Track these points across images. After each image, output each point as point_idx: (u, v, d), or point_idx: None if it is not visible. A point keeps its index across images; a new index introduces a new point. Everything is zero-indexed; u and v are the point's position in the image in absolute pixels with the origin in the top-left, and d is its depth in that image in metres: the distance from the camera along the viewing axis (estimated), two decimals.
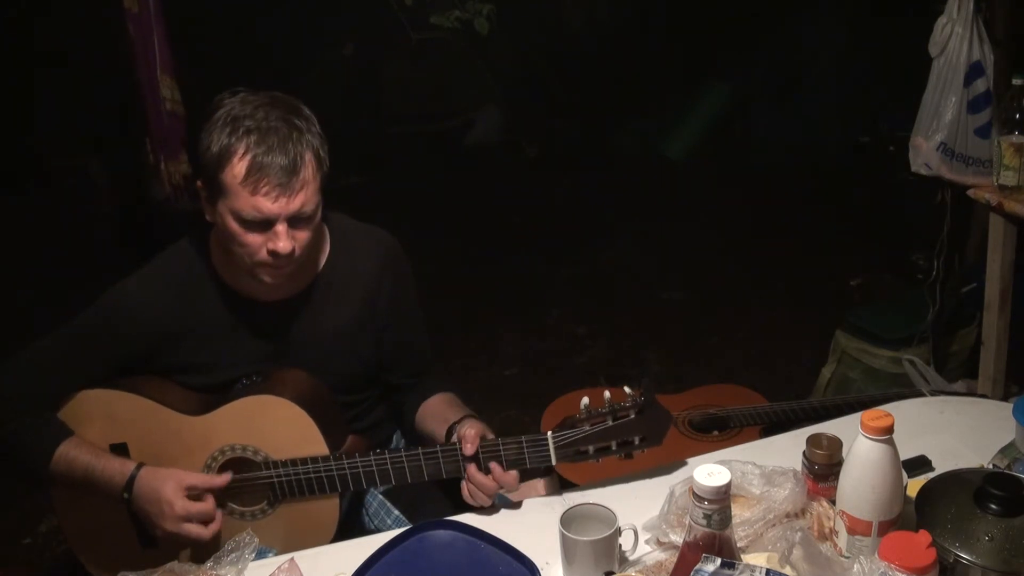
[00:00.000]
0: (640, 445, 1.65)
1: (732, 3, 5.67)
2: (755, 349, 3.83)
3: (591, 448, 1.64)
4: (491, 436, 1.67)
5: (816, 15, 5.58)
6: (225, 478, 1.70)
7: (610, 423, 1.63)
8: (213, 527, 1.69)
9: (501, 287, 4.57)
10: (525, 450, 1.65)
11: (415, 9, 3.97)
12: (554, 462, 1.65)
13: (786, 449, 1.66)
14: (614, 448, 1.65)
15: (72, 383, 1.73)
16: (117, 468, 1.70)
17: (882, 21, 4.93)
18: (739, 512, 1.42)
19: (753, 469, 1.52)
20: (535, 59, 6.12)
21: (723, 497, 1.19)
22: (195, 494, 1.68)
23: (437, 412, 1.84)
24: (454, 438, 1.70)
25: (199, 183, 1.66)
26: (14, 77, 4.96)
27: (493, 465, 1.64)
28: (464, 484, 1.66)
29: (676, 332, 4.02)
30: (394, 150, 5.90)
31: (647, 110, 6.20)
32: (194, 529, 1.67)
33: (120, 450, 1.75)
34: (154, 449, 1.73)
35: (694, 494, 1.20)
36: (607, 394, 1.64)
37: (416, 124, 6.10)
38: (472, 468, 1.64)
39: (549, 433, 1.65)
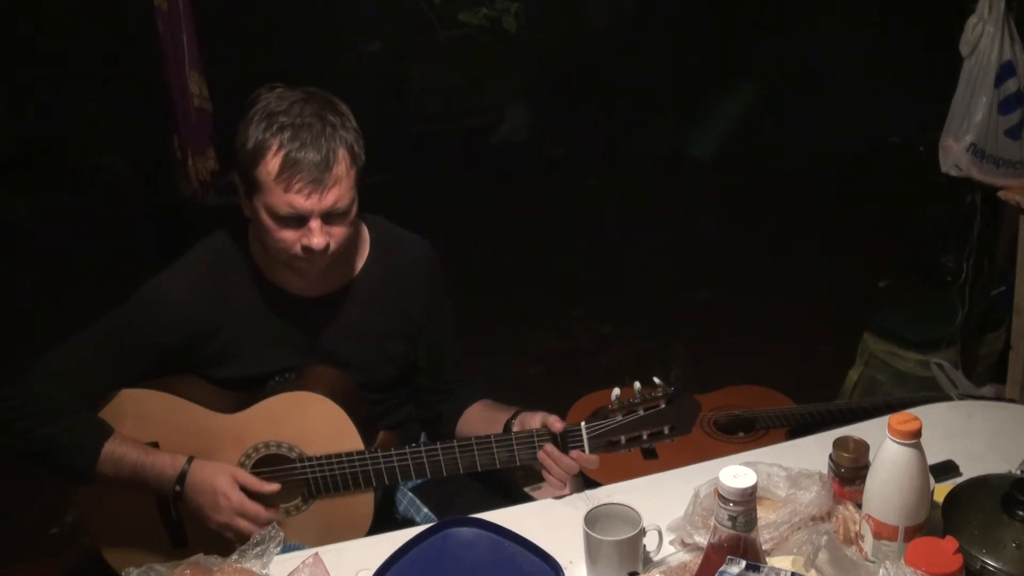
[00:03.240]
0: (670, 434, 1.67)
1: (759, 1, 5.63)
2: (781, 350, 3.80)
3: (623, 438, 1.66)
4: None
5: (844, 12, 5.53)
6: (274, 487, 1.71)
7: (641, 413, 1.65)
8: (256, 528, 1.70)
9: (525, 285, 4.57)
10: (559, 440, 1.66)
11: (443, 6, 3.97)
12: (587, 452, 1.67)
13: (812, 452, 1.66)
14: (645, 438, 1.67)
15: (111, 379, 1.74)
16: (168, 462, 1.71)
17: (912, 19, 4.89)
18: (764, 514, 1.42)
19: (779, 471, 1.52)
20: (562, 57, 6.11)
21: (749, 499, 1.19)
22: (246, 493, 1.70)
23: (484, 416, 1.86)
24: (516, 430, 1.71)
25: (236, 178, 1.68)
26: (41, 74, 5.01)
27: (575, 452, 1.66)
28: (546, 471, 1.68)
29: (701, 332, 4.01)
30: (419, 148, 5.90)
31: (673, 109, 6.18)
32: (245, 525, 1.69)
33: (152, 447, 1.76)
34: (187, 448, 1.74)
35: (719, 495, 1.20)
36: (637, 385, 1.65)
37: (442, 122, 6.10)
38: (551, 447, 1.66)
39: (583, 424, 1.66)
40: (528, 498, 1.77)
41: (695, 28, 5.87)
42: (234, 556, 1.51)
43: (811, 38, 5.65)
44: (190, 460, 1.71)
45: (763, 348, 3.85)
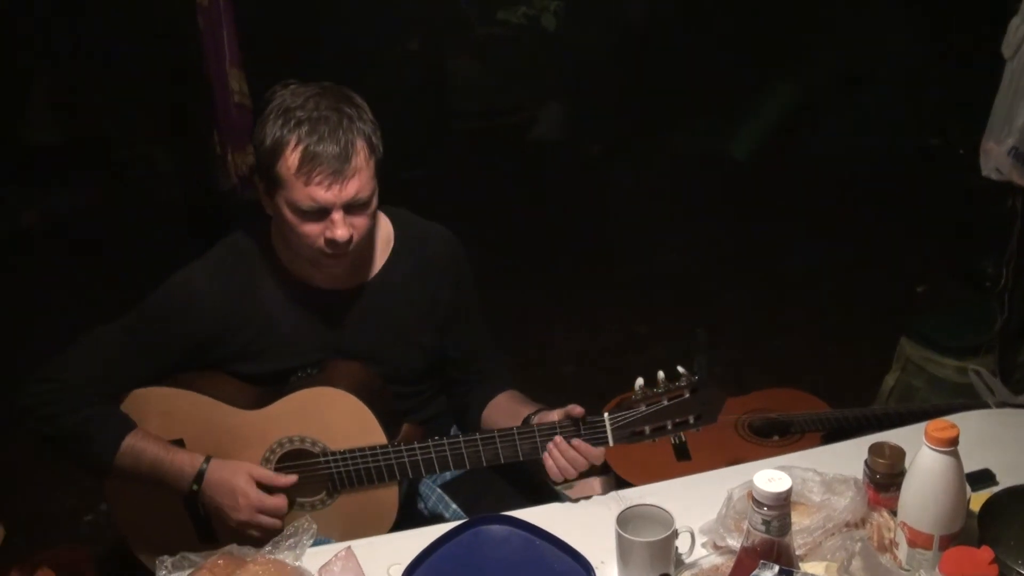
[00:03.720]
0: (695, 424, 1.65)
1: (800, 1, 5.58)
2: (817, 353, 3.77)
3: (647, 428, 1.65)
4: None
5: (886, 13, 5.47)
6: (292, 478, 1.73)
7: (665, 403, 1.63)
8: (279, 522, 1.72)
9: (560, 283, 4.56)
10: (582, 432, 1.66)
11: (482, 4, 3.97)
12: (611, 443, 1.66)
13: (847, 457, 1.64)
14: (670, 428, 1.65)
15: (136, 372, 1.76)
16: (186, 461, 1.73)
17: (955, 20, 4.82)
18: (798, 519, 1.41)
19: (814, 476, 1.51)
20: (600, 56, 6.09)
21: (783, 503, 1.18)
22: (264, 488, 1.72)
23: (508, 408, 1.85)
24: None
25: (256, 177, 1.69)
26: (83, 68, 5.08)
27: (576, 441, 1.66)
28: (551, 461, 1.67)
29: (737, 333, 3.98)
30: (456, 145, 5.91)
31: (712, 108, 6.14)
32: (266, 520, 1.70)
33: (177, 446, 1.78)
34: (211, 444, 1.76)
35: (754, 499, 1.19)
36: (661, 374, 1.64)
37: (479, 119, 6.11)
38: (560, 439, 1.66)
39: (606, 414, 1.65)
40: (560, 497, 1.76)
41: (736, 27, 5.83)
42: (267, 547, 1.53)
43: (852, 39, 5.59)
44: (208, 459, 1.73)
45: (799, 351, 3.82)
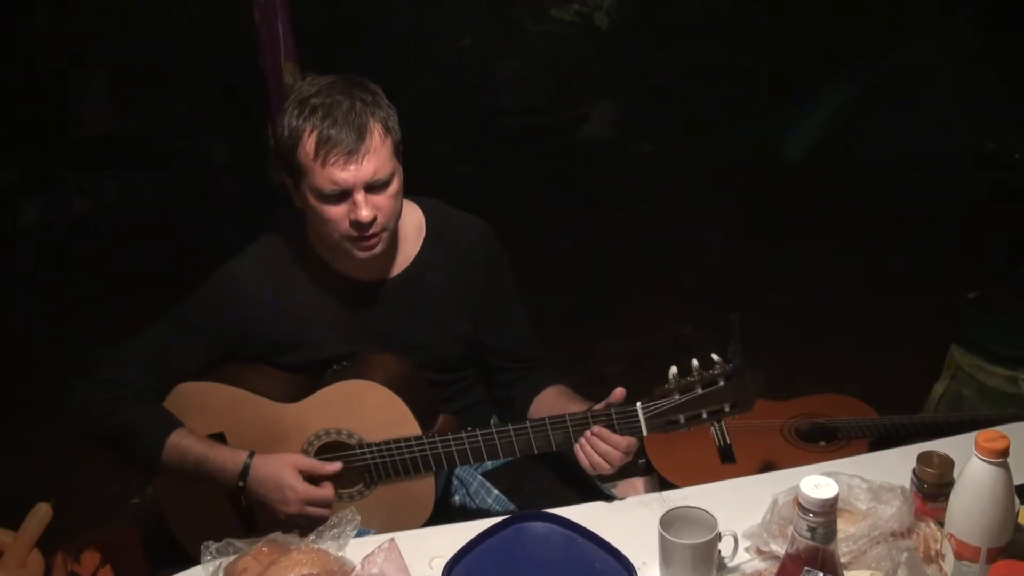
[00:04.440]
0: (731, 412, 1.64)
1: (856, 0, 5.50)
2: (865, 359, 3.71)
3: (682, 417, 1.64)
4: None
5: (943, 15, 5.37)
6: (337, 466, 1.75)
7: (699, 391, 1.62)
8: (328, 511, 1.74)
9: (607, 282, 4.55)
10: (615, 420, 1.65)
11: (535, 1, 3.98)
12: (645, 433, 1.65)
13: (895, 465, 1.62)
14: (705, 416, 1.64)
15: (183, 366, 1.80)
16: (229, 457, 1.75)
17: (1014, 22, 4.73)
18: (844, 527, 1.39)
19: (860, 483, 1.49)
20: (652, 54, 6.06)
21: (829, 510, 1.17)
22: (309, 478, 1.74)
23: (555, 403, 1.85)
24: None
25: (283, 172, 1.72)
26: (139, 59, 5.17)
27: (598, 428, 1.65)
28: (582, 454, 1.67)
29: (784, 337, 3.93)
30: (506, 142, 5.92)
31: (765, 108, 6.08)
32: (315, 511, 1.73)
33: (217, 440, 1.81)
34: (250, 437, 1.79)
35: (799, 505, 1.18)
36: (695, 362, 1.63)
37: (529, 117, 6.10)
38: (589, 433, 1.65)
39: (639, 403, 1.64)
40: (603, 490, 1.76)
41: (791, 26, 5.77)
42: (311, 537, 1.55)
43: (910, 39, 5.50)
44: (251, 455, 1.75)
45: (847, 356, 3.77)
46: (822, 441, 2.44)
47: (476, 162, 5.56)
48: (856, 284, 4.36)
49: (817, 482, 1.18)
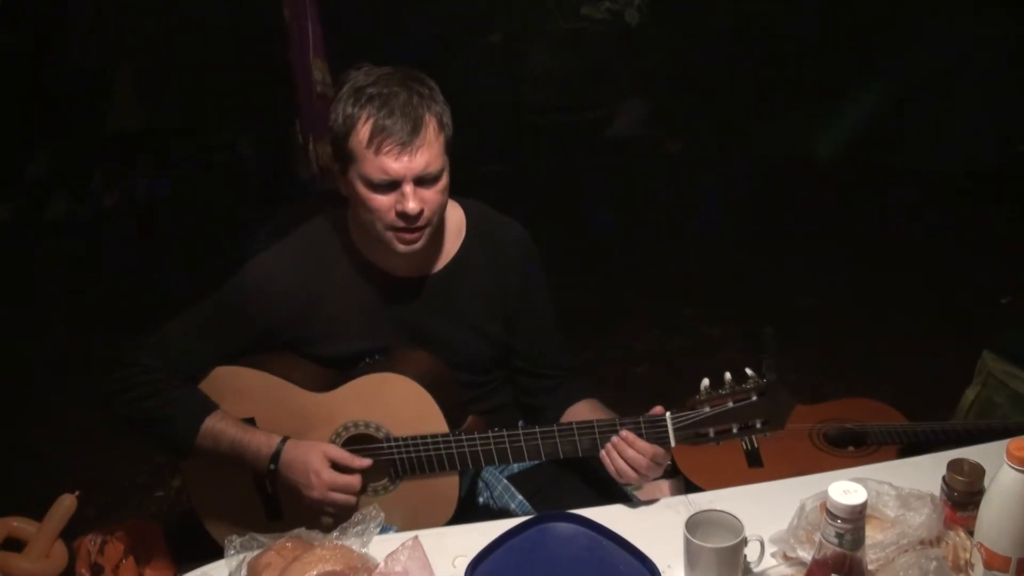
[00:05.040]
0: (762, 428, 1.63)
1: None
2: (894, 363, 3.68)
3: (711, 431, 1.63)
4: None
5: (979, 11, 5.30)
6: (367, 462, 1.76)
7: (731, 405, 1.61)
8: (353, 498, 1.75)
9: (634, 281, 4.54)
10: (643, 430, 1.65)
11: None
12: (673, 444, 1.65)
13: (924, 472, 1.61)
14: (735, 431, 1.63)
15: (215, 355, 1.82)
16: (263, 441, 1.77)
17: None
18: (872, 534, 1.38)
19: (889, 490, 1.48)
20: (683, 52, 6.04)
21: (858, 517, 1.16)
22: (335, 465, 1.75)
23: (587, 417, 1.84)
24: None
25: (332, 159, 1.73)
26: (167, 55, 5.21)
27: (625, 432, 1.64)
28: (608, 460, 1.66)
29: (812, 340, 3.91)
30: (534, 139, 5.92)
31: (797, 107, 6.04)
32: (340, 498, 1.74)
33: (248, 424, 1.83)
34: (280, 424, 1.81)
35: (827, 511, 1.18)
36: (727, 375, 1.62)
37: (558, 115, 6.10)
38: (617, 439, 1.65)
39: (668, 414, 1.64)
40: (629, 497, 1.75)
41: (825, 24, 5.72)
42: (335, 533, 1.55)
43: (946, 35, 5.43)
44: (284, 440, 1.77)
45: (877, 360, 3.73)
46: (851, 446, 2.42)
47: (504, 160, 5.56)
48: (887, 287, 4.31)
49: (845, 488, 1.18)
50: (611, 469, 1.68)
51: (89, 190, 5.49)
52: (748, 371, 1.62)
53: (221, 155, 5.73)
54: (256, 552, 1.52)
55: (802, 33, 5.75)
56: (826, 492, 1.18)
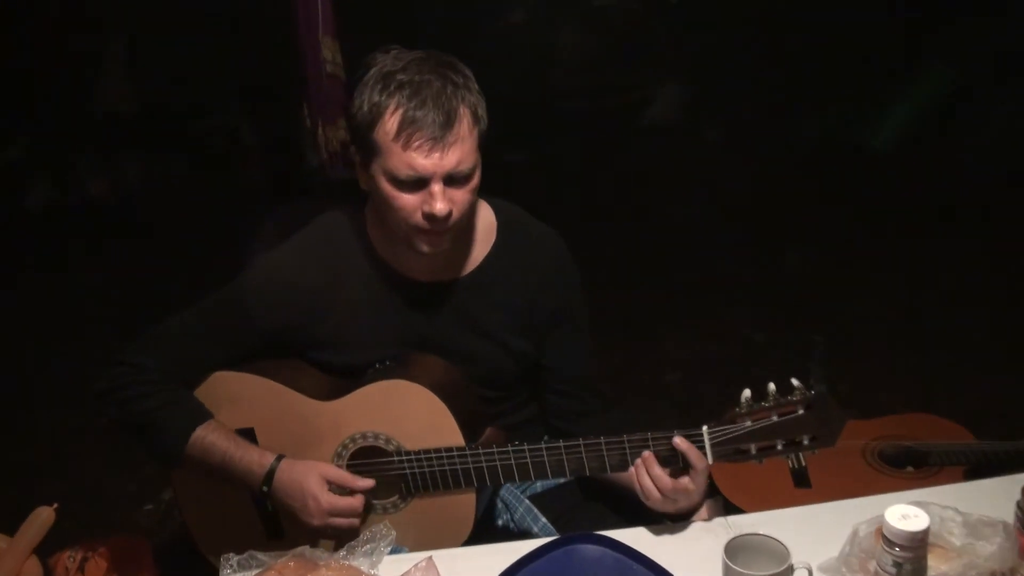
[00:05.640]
0: (810, 446, 1.60)
1: None
2: (961, 376, 3.65)
3: (753, 447, 1.61)
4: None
5: None
6: (368, 483, 1.75)
7: (775, 419, 1.59)
8: (357, 521, 1.75)
9: (670, 282, 4.53)
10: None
11: None
12: (710, 461, 1.63)
13: (995, 496, 1.59)
14: (780, 448, 1.61)
15: (216, 358, 1.82)
16: (256, 459, 1.77)
17: None
18: (935, 564, 1.37)
19: (954, 516, 1.46)
20: (726, 33, 6.02)
21: (918, 544, 1.15)
22: (336, 489, 1.75)
23: None
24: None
25: (353, 148, 1.72)
26: (165, 33, 5.23)
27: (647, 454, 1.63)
28: (637, 479, 1.66)
29: (868, 348, 3.89)
30: (562, 125, 5.92)
31: (850, 93, 6.00)
32: (341, 523, 1.74)
33: (247, 435, 1.83)
34: (282, 435, 1.81)
35: (884, 537, 1.17)
36: (772, 387, 1.60)
37: (589, 98, 6.10)
38: (649, 456, 1.64)
39: (705, 428, 1.62)
40: (662, 518, 1.75)
41: (883, 4, 5.69)
42: (342, 552, 1.55)
43: (1013, 18, 5.39)
44: (279, 459, 1.77)
45: (940, 372, 3.71)
46: (910, 466, 2.40)
47: (528, 148, 5.56)
48: (953, 293, 4.28)
49: (904, 512, 1.17)
50: (637, 488, 1.67)
51: (72, 177, 5.52)
52: (794, 382, 1.60)
53: (220, 140, 5.75)
54: (255, 572, 1.52)
55: (857, 10, 5.72)
56: (882, 516, 1.18)
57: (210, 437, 1.78)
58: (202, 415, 1.80)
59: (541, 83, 6.00)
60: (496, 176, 1.83)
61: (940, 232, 4.79)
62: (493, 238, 1.85)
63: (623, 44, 6.10)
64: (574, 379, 1.93)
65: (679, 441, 1.62)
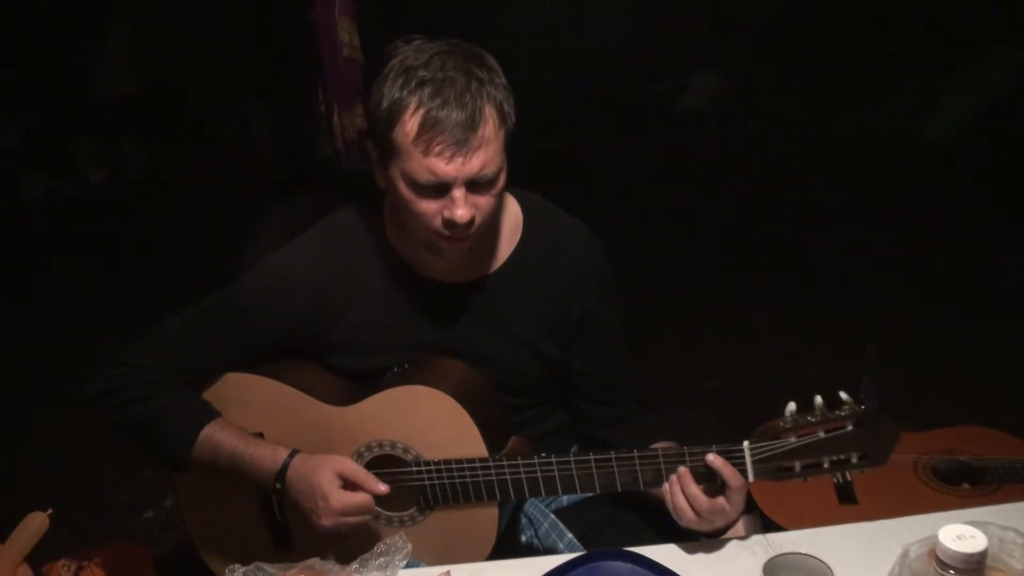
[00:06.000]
0: (859, 464, 1.59)
1: None
2: (1021, 386, 3.63)
3: (797, 464, 1.60)
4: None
5: None
6: (385, 487, 1.74)
7: (821, 435, 1.57)
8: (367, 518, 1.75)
9: (705, 283, 4.52)
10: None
11: None
12: (751, 478, 1.62)
13: None
14: (826, 466, 1.59)
15: (222, 359, 1.83)
16: (269, 455, 1.76)
17: None
18: None
19: (1016, 538, 1.44)
20: (768, 14, 6.00)
21: (975, 567, 1.14)
22: (349, 485, 1.74)
23: None
24: None
25: (370, 143, 1.71)
26: (170, 11, 5.24)
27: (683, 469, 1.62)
28: (670, 497, 1.65)
29: (922, 354, 3.86)
30: (592, 113, 5.91)
31: (903, 81, 5.96)
32: (353, 521, 1.73)
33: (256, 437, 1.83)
34: (293, 441, 1.80)
35: (937, 559, 1.16)
36: (819, 399, 1.58)
37: (620, 85, 6.09)
38: (685, 471, 1.63)
39: (746, 443, 1.61)
40: (696, 535, 1.74)
41: None
42: (354, 564, 1.55)
43: None
44: (292, 454, 1.76)
45: (999, 381, 3.68)
46: (965, 483, 2.38)
47: (556, 137, 5.56)
48: (1013, 296, 4.24)
49: (960, 532, 1.16)
50: (669, 505, 1.66)
51: (72, 164, 5.55)
52: (843, 394, 1.59)
53: (228, 127, 5.77)
54: None
55: None
56: (935, 537, 1.16)
57: (218, 435, 1.78)
58: (209, 413, 1.80)
59: (571, 69, 5.99)
60: (523, 167, 1.82)
61: (998, 231, 4.75)
62: (519, 234, 1.84)
63: (657, 26, 6.09)
64: (607, 381, 1.92)
65: (713, 459, 1.61)
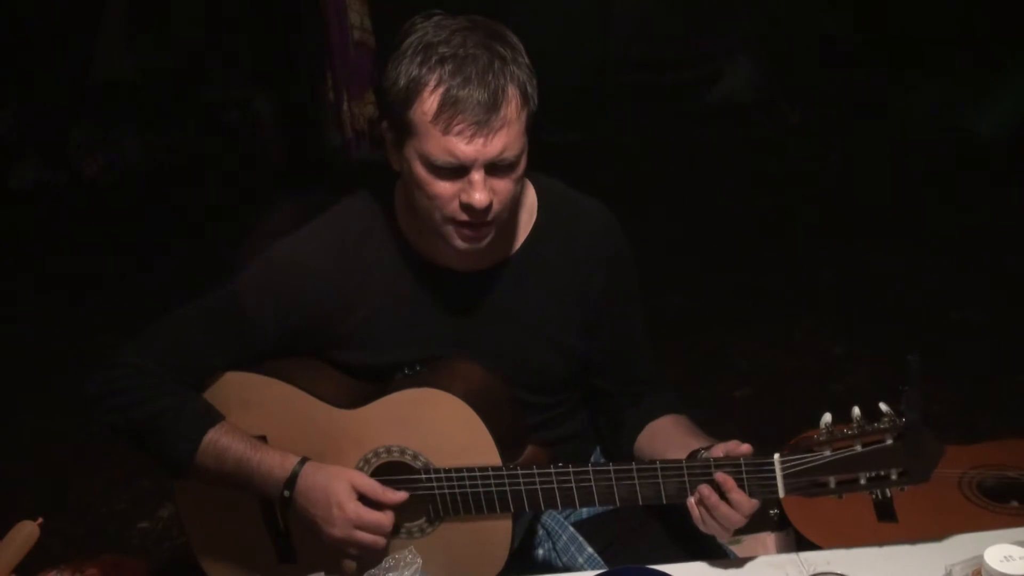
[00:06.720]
0: (898, 481, 1.58)
1: None
2: None
3: (832, 480, 1.59)
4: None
5: None
6: (402, 495, 1.76)
7: (859, 449, 1.57)
8: (383, 540, 1.75)
9: (739, 284, 4.52)
10: (744, 474, 1.61)
11: None
12: (782, 494, 1.61)
13: None
14: (863, 483, 1.59)
15: (226, 357, 1.83)
16: (277, 461, 1.77)
17: None
18: None
19: None
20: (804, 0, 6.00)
21: None
22: (365, 500, 1.75)
23: (671, 437, 1.83)
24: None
25: (385, 124, 1.72)
26: None
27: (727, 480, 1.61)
28: (695, 508, 1.65)
29: (969, 364, 3.85)
30: (620, 103, 5.92)
31: (949, 68, 5.95)
32: (366, 538, 1.74)
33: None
34: (297, 445, 1.80)
35: None
36: (856, 411, 1.57)
37: (650, 73, 6.10)
38: (707, 488, 1.62)
39: (776, 456, 1.60)
40: (725, 553, 1.74)
41: None
42: None
43: None
44: (303, 461, 1.77)
45: None
46: (1014, 500, 2.37)
47: (583, 127, 5.57)
48: None
49: (1008, 553, 1.16)
50: (695, 517, 1.66)
51: (65, 153, 5.57)
52: (882, 406, 1.58)
53: (231, 114, 5.79)
54: None
55: None
56: (981, 557, 1.16)
57: (223, 440, 1.78)
58: (213, 417, 1.80)
59: (598, 55, 6.00)
60: (543, 159, 1.83)
61: None
62: (535, 217, 1.85)
63: (690, 11, 6.09)
64: (624, 374, 1.94)
65: (722, 477, 1.61)
